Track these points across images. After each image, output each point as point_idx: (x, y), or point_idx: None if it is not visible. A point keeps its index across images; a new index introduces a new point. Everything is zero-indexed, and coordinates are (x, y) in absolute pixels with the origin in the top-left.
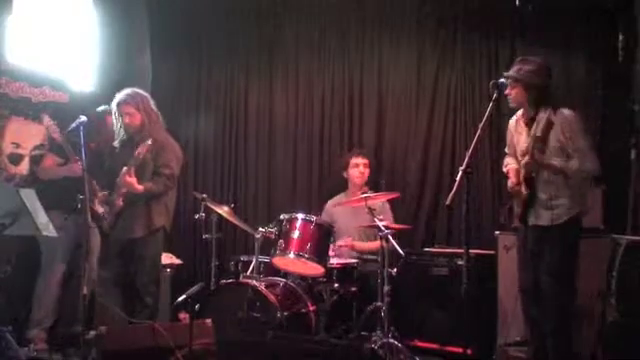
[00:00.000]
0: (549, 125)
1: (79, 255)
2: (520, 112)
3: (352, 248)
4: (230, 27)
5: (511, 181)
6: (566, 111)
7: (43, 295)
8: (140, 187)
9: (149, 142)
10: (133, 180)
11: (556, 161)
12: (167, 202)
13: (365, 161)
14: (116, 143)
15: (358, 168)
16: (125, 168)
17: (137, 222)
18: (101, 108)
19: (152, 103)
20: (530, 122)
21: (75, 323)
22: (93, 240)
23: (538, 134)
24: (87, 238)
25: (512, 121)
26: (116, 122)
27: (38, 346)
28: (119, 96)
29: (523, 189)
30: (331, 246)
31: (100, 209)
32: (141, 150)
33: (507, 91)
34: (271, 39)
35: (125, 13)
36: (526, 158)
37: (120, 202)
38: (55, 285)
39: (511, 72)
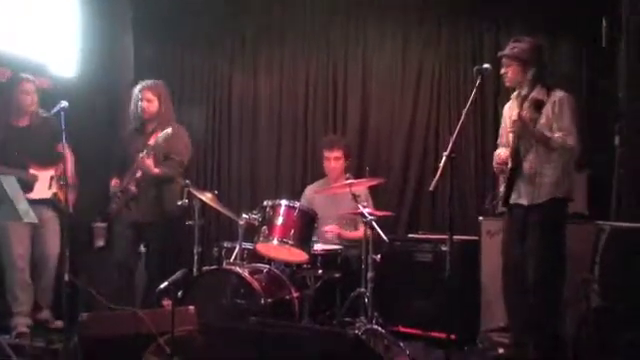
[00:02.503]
0: (540, 103)
1: (38, 241)
2: (514, 95)
3: (339, 236)
4: (213, 10)
5: (499, 157)
6: (560, 92)
7: (12, 284)
8: (156, 170)
9: (169, 130)
10: (151, 163)
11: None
12: (176, 189)
13: (336, 154)
14: (130, 129)
15: (330, 162)
16: (142, 153)
17: (149, 207)
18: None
19: (169, 97)
20: (523, 101)
21: (40, 309)
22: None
23: (531, 109)
24: (67, 225)
25: (506, 109)
26: (134, 107)
27: (20, 331)
28: (143, 82)
29: (509, 163)
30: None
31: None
32: (156, 138)
33: (503, 70)
34: (255, 23)
35: None
36: (513, 115)
37: (133, 188)
38: (20, 272)
39: (506, 51)
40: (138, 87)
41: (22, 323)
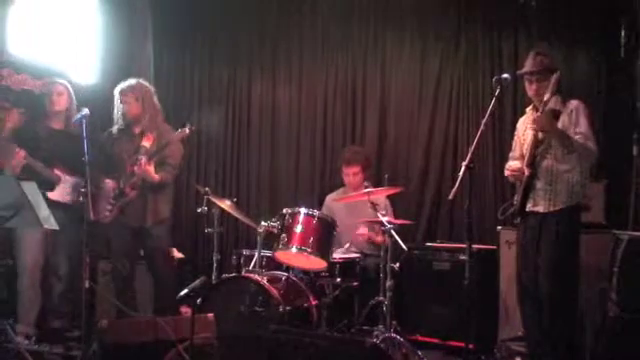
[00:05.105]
0: (557, 113)
1: (53, 247)
2: (529, 109)
3: (368, 239)
4: (233, 18)
5: (511, 167)
6: (574, 101)
7: (22, 289)
8: (157, 176)
9: (165, 142)
10: (151, 169)
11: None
12: (169, 193)
13: (354, 169)
14: (114, 130)
15: (348, 177)
16: (141, 157)
17: (146, 211)
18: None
19: (155, 97)
20: (542, 110)
21: (59, 317)
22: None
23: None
24: (86, 232)
25: (520, 122)
26: (116, 109)
27: (18, 342)
28: (122, 84)
29: (525, 172)
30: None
31: (67, 197)
32: (147, 142)
33: (527, 85)
34: (274, 31)
35: (127, 1)
36: (536, 114)
37: (132, 192)
38: (31, 278)
39: (528, 67)
40: (117, 89)
41: (23, 332)
